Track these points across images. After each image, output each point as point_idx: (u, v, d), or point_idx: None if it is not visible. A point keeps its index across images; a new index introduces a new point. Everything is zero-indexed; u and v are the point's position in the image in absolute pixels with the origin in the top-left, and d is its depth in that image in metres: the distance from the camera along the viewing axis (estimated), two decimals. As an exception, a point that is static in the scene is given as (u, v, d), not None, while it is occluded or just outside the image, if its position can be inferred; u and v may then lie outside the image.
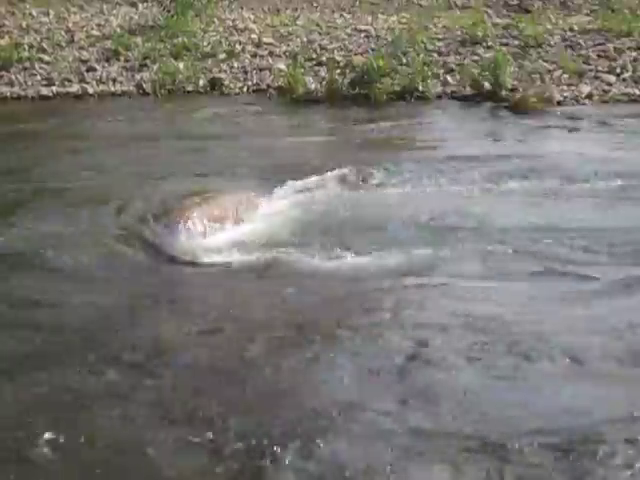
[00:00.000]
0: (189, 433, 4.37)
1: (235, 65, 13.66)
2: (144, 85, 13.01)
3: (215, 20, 15.86)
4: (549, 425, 4.42)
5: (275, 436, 4.31)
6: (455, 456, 4.18)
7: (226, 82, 13.07)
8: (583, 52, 13.47)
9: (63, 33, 15.16)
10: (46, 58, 13.97)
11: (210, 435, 4.33)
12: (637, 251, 6.61)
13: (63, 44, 14.64)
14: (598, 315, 5.64)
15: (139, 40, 14.61)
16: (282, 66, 13.22)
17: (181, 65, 13.38)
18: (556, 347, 5.15)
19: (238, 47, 14.34)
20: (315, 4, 17.35)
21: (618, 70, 12.72)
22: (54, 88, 13.00)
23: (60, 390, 4.81)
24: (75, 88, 13.02)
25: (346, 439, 4.31)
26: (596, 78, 12.53)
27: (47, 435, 4.33)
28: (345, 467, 4.12)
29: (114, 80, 13.29)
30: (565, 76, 12.57)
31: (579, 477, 4.05)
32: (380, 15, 16.26)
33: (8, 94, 12.83)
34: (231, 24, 15.67)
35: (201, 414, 4.53)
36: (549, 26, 14.78)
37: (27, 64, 13.71)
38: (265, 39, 14.69)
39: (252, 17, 16.33)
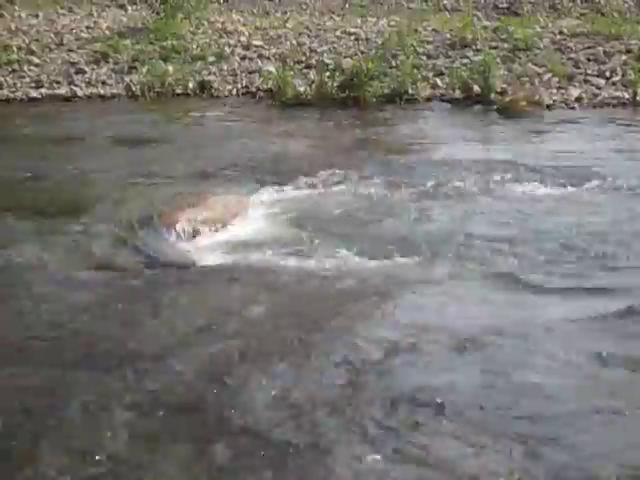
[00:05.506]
0: (173, 433, 4.36)
1: (224, 68, 13.67)
2: (133, 87, 13.01)
3: (204, 22, 15.87)
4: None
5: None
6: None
7: (215, 85, 13.09)
8: (573, 55, 13.50)
9: (52, 35, 15.17)
10: (35, 60, 13.99)
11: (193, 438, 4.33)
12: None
13: (52, 46, 14.66)
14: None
15: (128, 42, 14.62)
16: (271, 69, 13.23)
17: (170, 67, 13.40)
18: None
19: (227, 50, 14.35)
20: (304, 7, 17.42)
21: (608, 74, 12.73)
22: (43, 90, 13.02)
23: (49, 390, 4.79)
24: (64, 90, 13.04)
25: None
26: (586, 82, 12.55)
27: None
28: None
29: (103, 82, 13.31)
30: (555, 79, 12.60)
31: None
32: (369, 18, 16.31)
33: (-4, 96, 12.85)
34: (220, 26, 15.69)
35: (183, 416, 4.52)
36: (539, 29, 14.81)
37: (16, 66, 13.73)
38: (254, 42, 14.70)
39: (241, 19, 16.36)
